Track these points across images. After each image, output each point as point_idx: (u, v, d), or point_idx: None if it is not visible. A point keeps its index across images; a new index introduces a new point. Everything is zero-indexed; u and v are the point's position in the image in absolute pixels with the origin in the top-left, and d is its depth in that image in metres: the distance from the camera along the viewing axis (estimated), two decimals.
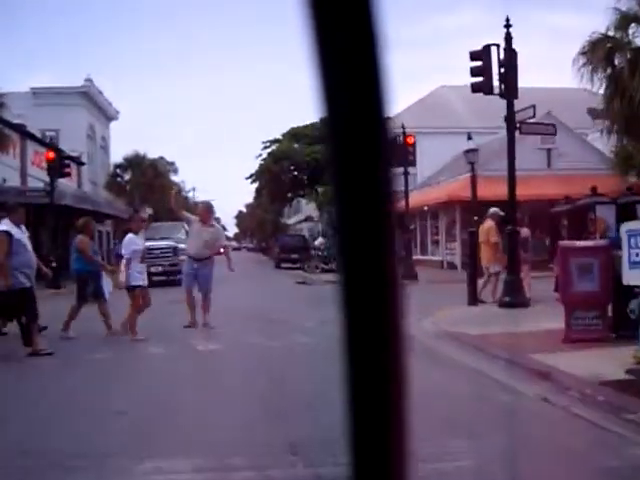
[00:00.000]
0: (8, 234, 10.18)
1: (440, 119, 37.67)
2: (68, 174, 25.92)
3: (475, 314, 12.70)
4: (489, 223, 14.72)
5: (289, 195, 58.02)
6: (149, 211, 44.97)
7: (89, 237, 12.69)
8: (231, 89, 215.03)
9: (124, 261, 11.90)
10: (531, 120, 14.12)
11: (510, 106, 13.71)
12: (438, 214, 31.42)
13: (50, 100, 41.96)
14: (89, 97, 45.38)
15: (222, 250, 13.79)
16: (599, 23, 27.90)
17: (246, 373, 8.70)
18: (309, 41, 0.66)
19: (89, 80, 45.75)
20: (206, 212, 13.56)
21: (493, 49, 13.68)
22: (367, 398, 0.71)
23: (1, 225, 10.35)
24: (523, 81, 14.22)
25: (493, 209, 14.99)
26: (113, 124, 53.47)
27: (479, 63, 13.80)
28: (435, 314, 13.02)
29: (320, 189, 52.12)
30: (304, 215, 68.97)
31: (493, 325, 11.12)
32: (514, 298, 13.24)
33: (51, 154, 24.70)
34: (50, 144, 25.43)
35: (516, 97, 13.75)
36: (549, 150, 28.91)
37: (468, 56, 13.89)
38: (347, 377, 0.71)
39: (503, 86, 13.76)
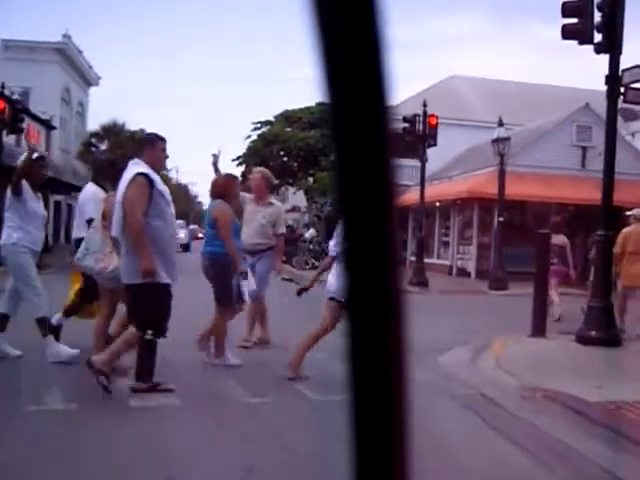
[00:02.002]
0: (148, 178, 6.16)
1: (451, 109, 33.79)
2: (21, 130, 21.61)
3: (556, 353, 8.72)
4: (635, 228, 10.69)
5: (277, 182, 54.37)
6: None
7: (232, 204, 8.02)
8: (224, 66, 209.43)
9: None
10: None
11: (614, 62, 9.76)
12: (449, 213, 27.42)
13: (22, 55, 37.99)
14: (66, 55, 41.02)
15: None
16: None
17: None
18: (311, 26, 0.61)
19: (67, 36, 41.34)
20: (262, 184, 9.26)
21: None
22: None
23: (136, 164, 6.27)
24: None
25: (637, 210, 10.94)
26: (93, 90, 49.25)
27: None
28: (492, 347, 9.12)
29: (312, 177, 48.25)
30: (290, 205, 65.06)
31: (603, 380, 7.16)
32: (603, 332, 9.32)
33: (0, 103, 20.37)
34: (3, 94, 21.05)
35: (621, 51, 9.83)
36: (584, 148, 25.02)
37: None
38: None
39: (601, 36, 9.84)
